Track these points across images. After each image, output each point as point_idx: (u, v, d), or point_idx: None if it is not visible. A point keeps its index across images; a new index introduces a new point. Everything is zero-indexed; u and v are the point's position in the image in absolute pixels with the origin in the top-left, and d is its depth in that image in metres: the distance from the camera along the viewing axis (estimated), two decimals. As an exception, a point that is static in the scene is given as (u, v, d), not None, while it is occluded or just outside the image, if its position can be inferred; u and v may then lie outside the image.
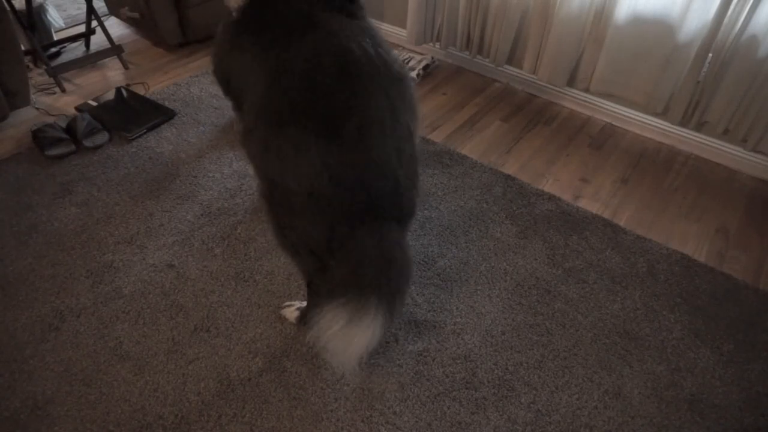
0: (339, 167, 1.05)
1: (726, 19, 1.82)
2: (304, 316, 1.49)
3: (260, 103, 1.16)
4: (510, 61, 2.54)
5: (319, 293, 1.39)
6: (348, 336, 1.09)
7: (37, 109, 2.36)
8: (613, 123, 2.38)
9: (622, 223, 1.88)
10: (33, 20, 2.52)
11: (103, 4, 2.95)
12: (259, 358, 1.45)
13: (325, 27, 1.17)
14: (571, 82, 2.39)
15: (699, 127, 2.15)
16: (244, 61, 1.27)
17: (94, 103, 2.35)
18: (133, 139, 2.18)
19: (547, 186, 2.04)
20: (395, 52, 1.23)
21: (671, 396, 1.40)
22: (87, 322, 1.52)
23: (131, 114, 2.29)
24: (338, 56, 1.10)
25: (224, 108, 2.38)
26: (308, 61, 1.10)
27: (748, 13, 1.78)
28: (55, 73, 2.47)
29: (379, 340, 1.13)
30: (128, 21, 2.86)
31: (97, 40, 2.78)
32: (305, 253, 1.23)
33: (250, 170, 1.97)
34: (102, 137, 2.16)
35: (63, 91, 2.50)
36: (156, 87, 2.53)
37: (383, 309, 1.09)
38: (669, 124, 2.20)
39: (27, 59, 2.57)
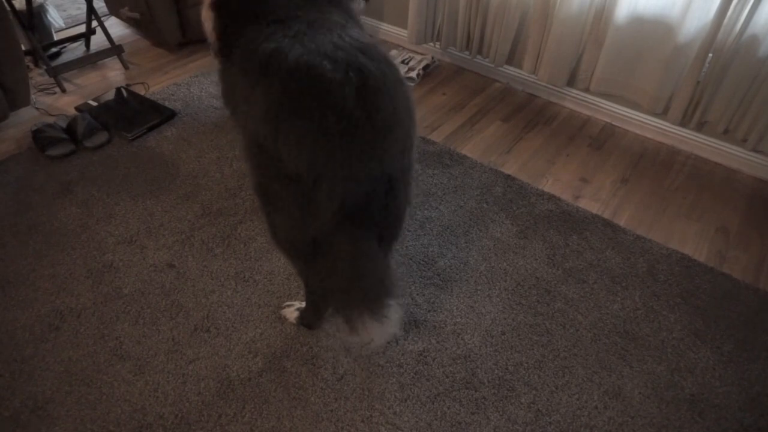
0: (333, 166, 1.02)
1: (726, 19, 1.82)
2: (304, 317, 1.49)
3: (260, 102, 1.14)
4: (510, 61, 2.54)
5: (314, 293, 1.39)
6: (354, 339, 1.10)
7: (38, 109, 2.36)
8: (613, 123, 2.38)
9: (622, 223, 1.88)
10: (33, 20, 2.52)
11: (103, 4, 2.94)
12: (259, 358, 1.45)
13: (325, 24, 1.15)
14: (571, 82, 2.39)
15: (699, 127, 2.15)
16: (235, 73, 1.25)
17: (94, 103, 2.35)
18: (133, 139, 2.18)
19: (547, 186, 2.04)
20: (394, 51, 1.21)
21: (671, 396, 1.40)
22: (87, 322, 1.52)
23: (131, 114, 2.29)
24: (347, 57, 1.08)
25: (224, 108, 2.38)
26: (312, 60, 1.08)
27: (748, 13, 1.78)
28: (56, 73, 2.48)
29: (384, 339, 1.12)
30: (128, 21, 2.86)
31: (98, 40, 2.78)
32: (293, 252, 1.22)
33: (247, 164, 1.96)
34: (102, 137, 2.16)
35: (63, 91, 2.50)
36: (156, 87, 2.53)
37: (366, 317, 1.09)
38: (669, 124, 2.20)
39: (27, 59, 2.56)
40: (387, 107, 1.03)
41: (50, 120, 2.25)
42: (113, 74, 2.65)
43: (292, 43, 1.08)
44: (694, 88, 2.02)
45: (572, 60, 2.29)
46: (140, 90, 2.49)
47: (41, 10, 2.69)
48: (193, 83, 2.55)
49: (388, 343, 1.49)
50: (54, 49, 2.72)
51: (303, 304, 1.50)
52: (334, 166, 1.02)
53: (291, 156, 1.03)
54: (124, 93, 2.37)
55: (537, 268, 1.71)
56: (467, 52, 2.63)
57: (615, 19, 2.08)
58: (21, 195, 1.92)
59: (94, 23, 2.68)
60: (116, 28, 3.01)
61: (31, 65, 2.62)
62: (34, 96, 2.40)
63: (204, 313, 1.55)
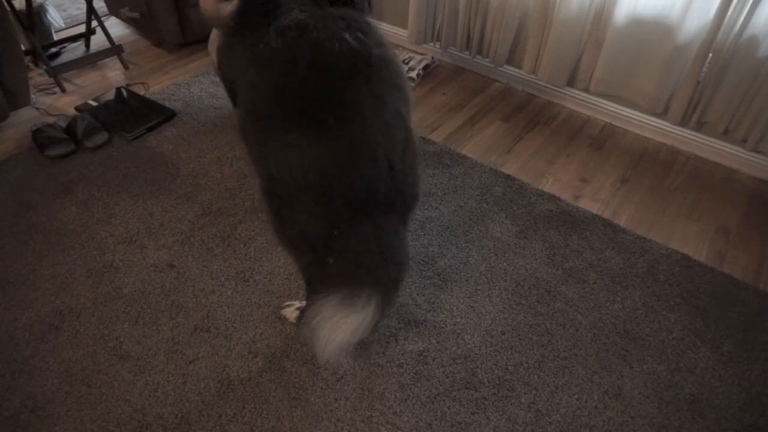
0: (326, 158, 1.05)
1: (726, 20, 1.82)
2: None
3: (248, 99, 1.17)
4: (510, 61, 2.54)
5: (318, 291, 1.39)
6: (337, 322, 1.10)
7: (37, 109, 2.36)
8: (613, 123, 2.38)
9: (622, 223, 1.88)
10: (33, 20, 2.52)
11: (103, 4, 2.95)
12: (259, 358, 1.45)
13: (303, 23, 1.17)
14: (571, 82, 2.39)
15: (699, 127, 2.15)
16: (237, 60, 1.28)
17: (94, 103, 2.36)
18: (133, 139, 2.18)
19: (547, 186, 2.04)
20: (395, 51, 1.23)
21: (671, 396, 1.40)
22: (87, 322, 1.52)
23: (131, 114, 2.29)
24: (311, 50, 1.10)
25: (224, 108, 2.38)
26: (284, 57, 1.11)
27: (748, 13, 1.78)
28: (55, 73, 2.48)
29: (370, 328, 1.13)
30: (128, 21, 2.86)
31: (97, 40, 2.79)
32: (304, 248, 1.23)
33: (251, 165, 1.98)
34: (102, 137, 2.16)
35: (63, 91, 2.50)
36: (156, 87, 2.53)
37: (377, 298, 1.10)
38: (669, 124, 2.20)
39: (27, 59, 2.57)
40: (355, 90, 1.06)
41: (50, 120, 2.25)
42: (113, 74, 2.65)
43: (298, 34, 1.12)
44: (693, 89, 2.02)
45: (572, 60, 2.29)
46: (140, 90, 2.49)
47: (41, 10, 2.69)
48: (193, 83, 2.55)
49: (387, 342, 1.49)
50: (54, 49, 2.72)
51: (303, 304, 1.50)
52: (321, 160, 1.04)
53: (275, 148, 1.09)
54: (124, 93, 2.37)
55: (537, 268, 1.71)
56: (467, 52, 2.63)
57: (615, 19, 2.08)
58: (21, 195, 1.92)
59: (94, 23, 2.68)
60: (116, 28, 3.01)
61: (31, 65, 2.62)
62: (34, 96, 2.40)
63: (204, 313, 1.55)
